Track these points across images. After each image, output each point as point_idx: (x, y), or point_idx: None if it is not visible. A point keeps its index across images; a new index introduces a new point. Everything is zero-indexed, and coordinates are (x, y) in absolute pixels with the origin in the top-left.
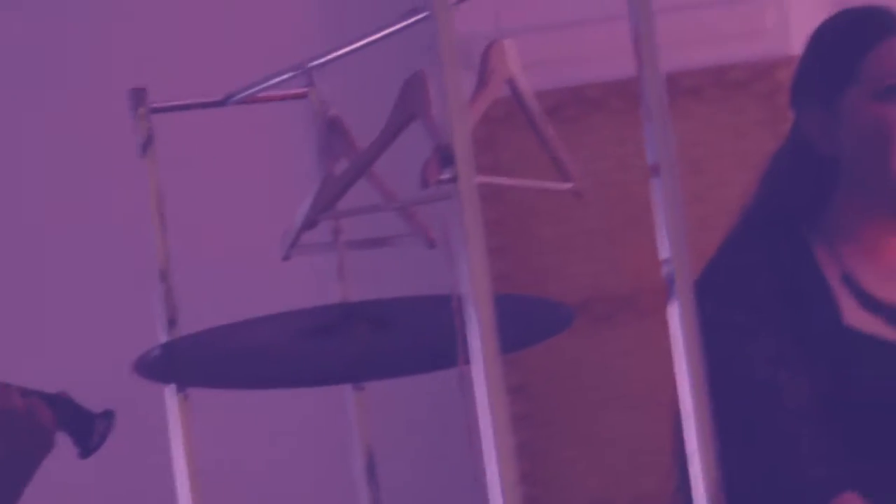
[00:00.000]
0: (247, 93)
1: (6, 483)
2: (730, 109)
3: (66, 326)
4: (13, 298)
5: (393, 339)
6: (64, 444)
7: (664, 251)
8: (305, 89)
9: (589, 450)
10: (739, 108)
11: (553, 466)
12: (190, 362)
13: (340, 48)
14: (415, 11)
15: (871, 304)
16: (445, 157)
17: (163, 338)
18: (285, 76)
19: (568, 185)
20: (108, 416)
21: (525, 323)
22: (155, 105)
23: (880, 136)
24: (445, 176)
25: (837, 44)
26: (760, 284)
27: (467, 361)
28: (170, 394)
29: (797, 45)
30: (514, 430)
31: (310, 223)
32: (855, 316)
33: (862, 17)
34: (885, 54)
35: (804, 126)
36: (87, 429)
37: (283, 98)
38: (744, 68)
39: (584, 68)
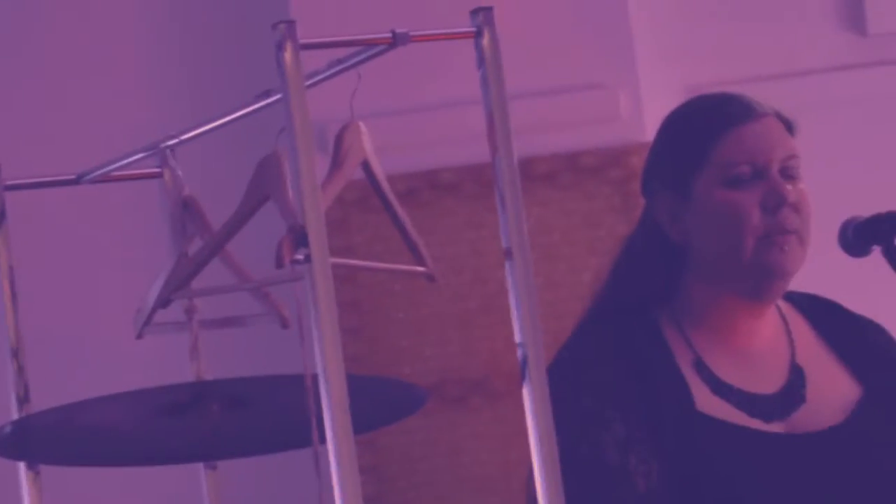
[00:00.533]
0: (101, 171)
1: None
2: (583, 195)
3: None
4: None
5: (247, 418)
6: None
7: (517, 335)
8: (159, 169)
9: None
10: (593, 193)
11: None
12: (42, 439)
13: (195, 128)
14: (268, 94)
15: (722, 389)
16: (299, 237)
17: (14, 415)
18: (139, 155)
19: (421, 269)
20: None
21: (378, 404)
22: (8, 182)
23: (730, 222)
24: (299, 256)
25: (687, 130)
26: (611, 370)
27: (321, 441)
28: (21, 471)
29: (650, 131)
30: None
31: (163, 302)
32: (707, 401)
33: (712, 105)
34: (735, 141)
35: (655, 212)
36: None
37: (138, 177)
38: (597, 154)
39: (439, 153)
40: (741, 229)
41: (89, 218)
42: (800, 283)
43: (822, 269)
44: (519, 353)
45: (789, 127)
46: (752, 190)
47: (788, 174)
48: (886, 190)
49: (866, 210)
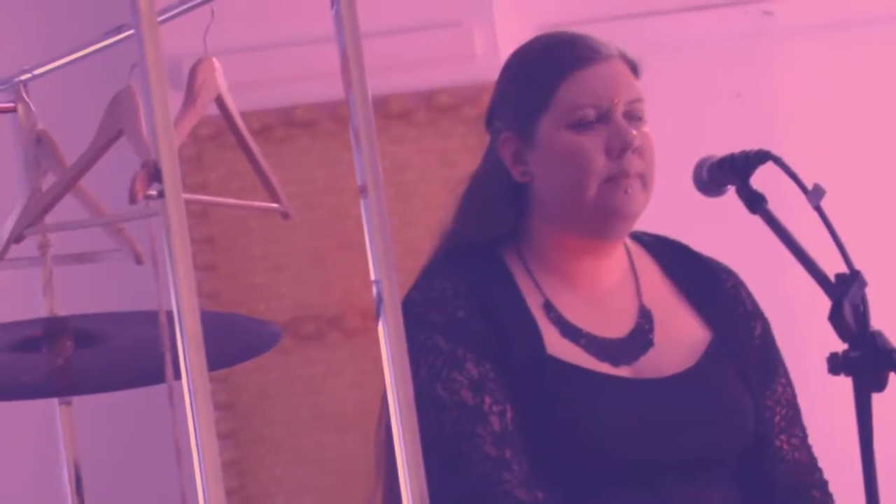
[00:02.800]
0: None
1: None
2: (438, 133)
3: None
4: None
5: (101, 354)
6: None
7: (373, 272)
8: (13, 104)
9: (297, 468)
10: (448, 132)
11: (262, 484)
12: None
13: (48, 63)
14: (120, 29)
15: (571, 332)
16: (152, 173)
17: None
18: None
19: (276, 206)
20: None
21: (233, 340)
22: None
23: (574, 167)
24: (152, 192)
25: (531, 71)
26: (462, 310)
27: (176, 377)
28: None
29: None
30: (222, 447)
31: (16, 237)
32: (556, 344)
33: (556, 45)
34: (578, 83)
35: (499, 151)
36: None
37: None
38: (452, 93)
39: (294, 89)
40: (585, 174)
41: None
42: (647, 223)
43: (671, 210)
44: (374, 290)
45: (634, 69)
46: (596, 134)
47: (633, 116)
48: (732, 131)
49: (715, 151)
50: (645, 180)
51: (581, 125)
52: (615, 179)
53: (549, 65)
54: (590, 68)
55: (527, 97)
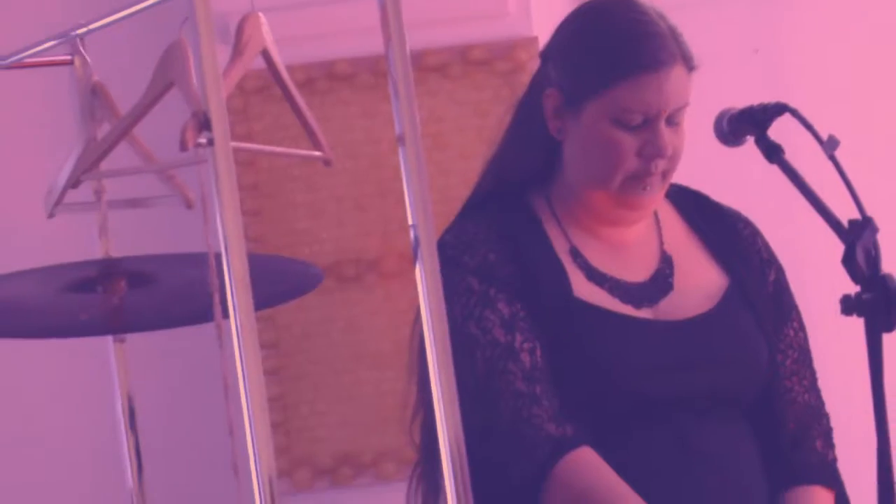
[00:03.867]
0: (14, 58)
1: None
2: (472, 86)
3: None
4: None
5: (153, 294)
6: None
7: (410, 217)
8: (70, 56)
9: (338, 404)
10: (481, 85)
11: (304, 418)
12: None
13: (104, 17)
14: None
15: (596, 276)
16: (202, 122)
17: None
18: (51, 43)
19: (318, 154)
20: None
21: (277, 282)
22: None
23: (607, 157)
24: (202, 140)
25: (601, 53)
26: (493, 253)
27: (224, 316)
28: None
29: (536, 27)
30: (266, 383)
31: (73, 183)
32: (582, 287)
33: (629, 37)
34: (635, 88)
35: (544, 101)
36: None
37: (49, 64)
38: (486, 48)
39: (336, 44)
40: (614, 167)
41: (4, 104)
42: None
43: (693, 160)
44: (411, 234)
45: (690, 65)
46: (635, 135)
47: (673, 121)
48: (752, 85)
49: (735, 104)
50: (666, 175)
51: (625, 124)
52: (638, 177)
53: (615, 58)
54: (651, 76)
55: (587, 74)
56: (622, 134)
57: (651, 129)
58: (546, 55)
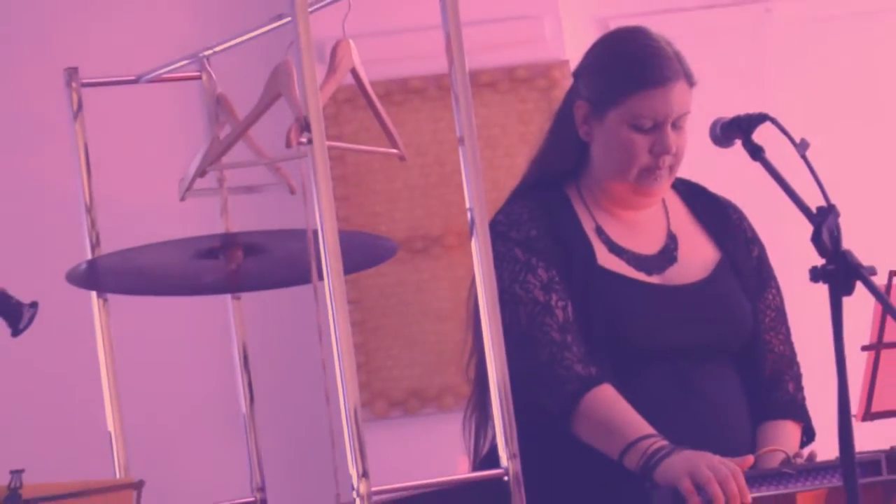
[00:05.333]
0: (154, 73)
1: None
2: (517, 99)
3: (16, 247)
4: None
5: (263, 261)
6: None
7: (468, 201)
8: (199, 73)
9: (408, 349)
10: (524, 98)
11: (381, 360)
12: (108, 275)
13: (225, 42)
14: (280, 17)
15: (616, 249)
16: (303, 125)
17: (88, 255)
18: (184, 62)
19: (394, 152)
20: (33, 305)
21: (361, 252)
22: (84, 80)
23: (624, 155)
24: (303, 140)
25: (618, 73)
26: (535, 229)
27: (320, 278)
28: (93, 298)
29: (569, 52)
30: (351, 332)
31: (201, 173)
32: (605, 258)
33: (641, 58)
34: (647, 99)
35: (575, 111)
36: (18, 314)
37: (183, 79)
38: (528, 68)
39: (409, 65)
40: (631, 162)
41: (145, 110)
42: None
43: (696, 159)
44: (468, 215)
45: (690, 82)
46: (647, 135)
47: (678, 125)
48: (738, 101)
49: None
50: (672, 169)
51: (638, 127)
52: (650, 170)
53: (631, 75)
54: (659, 90)
55: (608, 89)
56: (636, 136)
57: (659, 132)
58: (577, 75)
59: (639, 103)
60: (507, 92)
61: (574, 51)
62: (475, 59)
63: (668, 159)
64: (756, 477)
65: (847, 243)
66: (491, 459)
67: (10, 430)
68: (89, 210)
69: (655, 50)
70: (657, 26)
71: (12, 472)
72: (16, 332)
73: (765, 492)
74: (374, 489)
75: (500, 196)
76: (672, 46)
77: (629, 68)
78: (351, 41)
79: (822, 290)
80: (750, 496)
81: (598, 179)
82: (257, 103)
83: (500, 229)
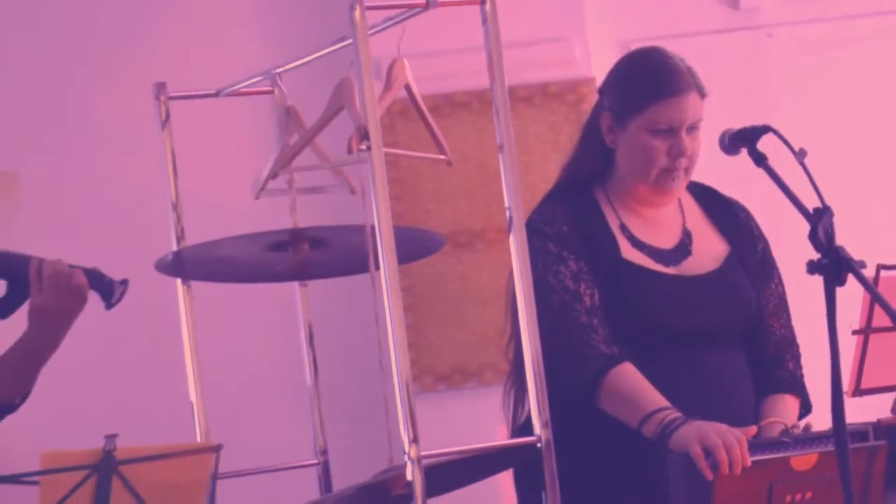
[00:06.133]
0: (232, 88)
1: (54, 330)
2: (549, 112)
3: (111, 239)
4: (80, 220)
5: (327, 252)
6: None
7: (506, 201)
8: (271, 88)
9: (453, 329)
10: (555, 111)
11: (430, 339)
12: (192, 264)
13: (295, 61)
14: (343, 38)
15: (638, 244)
16: (363, 134)
17: (174, 247)
18: (258, 78)
19: (442, 157)
20: (124, 282)
21: (412, 245)
22: (172, 94)
23: (645, 158)
24: (363, 146)
25: (638, 85)
26: (566, 227)
27: (377, 267)
28: (178, 285)
29: (595, 69)
30: (404, 315)
31: (272, 175)
32: (628, 252)
33: (658, 72)
34: (664, 108)
35: (601, 122)
36: (110, 290)
37: (257, 93)
38: (559, 85)
39: (455, 81)
40: (651, 164)
41: (224, 120)
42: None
43: (708, 167)
44: (507, 213)
45: (702, 93)
46: (664, 140)
47: (692, 129)
48: (744, 115)
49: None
50: (688, 170)
51: (657, 133)
52: (668, 171)
53: (649, 87)
54: (674, 99)
55: (629, 100)
56: (656, 141)
57: (676, 137)
58: (602, 90)
59: (657, 112)
60: (540, 105)
61: (599, 70)
62: (513, 77)
63: (683, 161)
64: (758, 445)
65: (840, 239)
66: (526, 428)
67: (105, 399)
68: (175, 207)
69: (670, 65)
70: (672, 47)
71: (107, 437)
72: (109, 305)
73: (763, 455)
74: (422, 453)
75: (535, 197)
76: (685, 63)
77: (647, 82)
78: (405, 60)
79: (818, 280)
80: (750, 460)
81: (622, 181)
82: (322, 114)
83: (535, 226)
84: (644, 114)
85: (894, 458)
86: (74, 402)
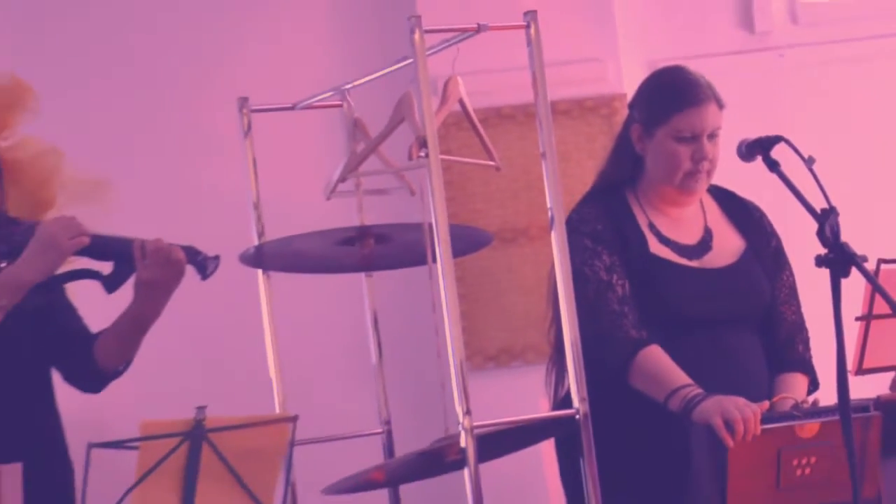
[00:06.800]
0: (306, 102)
1: (157, 300)
2: (585, 124)
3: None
4: (173, 218)
5: (390, 247)
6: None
7: (548, 202)
8: (341, 102)
9: (500, 315)
10: (591, 123)
11: (479, 324)
12: (272, 256)
13: (361, 78)
14: (405, 58)
15: (664, 240)
16: (422, 142)
17: (255, 242)
18: (329, 93)
19: (491, 163)
20: (216, 258)
21: (465, 240)
22: (254, 107)
23: (671, 163)
24: (422, 154)
25: (662, 98)
26: (601, 225)
27: (434, 261)
28: (259, 275)
29: (626, 85)
30: (457, 303)
31: (342, 179)
32: (655, 247)
33: (681, 86)
34: (686, 117)
35: (631, 131)
36: (204, 264)
37: (328, 106)
38: (594, 100)
39: (503, 96)
40: (676, 168)
41: (298, 129)
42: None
43: (727, 172)
44: (549, 213)
45: (720, 105)
46: (688, 146)
47: (713, 136)
48: (760, 128)
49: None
50: (710, 173)
51: (681, 139)
52: (692, 174)
53: (673, 100)
54: (695, 109)
55: (655, 111)
56: (680, 147)
57: (698, 143)
58: (632, 105)
59: (680, 121)
60: (577, 118)
61: (629, 86)
62: (553, 92)
63: (705, 165)
64: (771, 418)
65: (844, 236)
66: (565, 402)
67: (194, 375)
68: (256, 207)
69: (691, 80)
70: (694, 66)
71: (197, 408)
72: (204, 277)
73: (772, 425)
74: (474, 424)
75: (572, 199)
76: (704, 78)
77: (672, 95)
78: (458, 78)
79: (825, 273)
80: (760, 428)
81: (650, 184)
82: (385, 125)
83: (574, 224)
84: (669, 123)
85: (890, 428)
86: (166, 377)
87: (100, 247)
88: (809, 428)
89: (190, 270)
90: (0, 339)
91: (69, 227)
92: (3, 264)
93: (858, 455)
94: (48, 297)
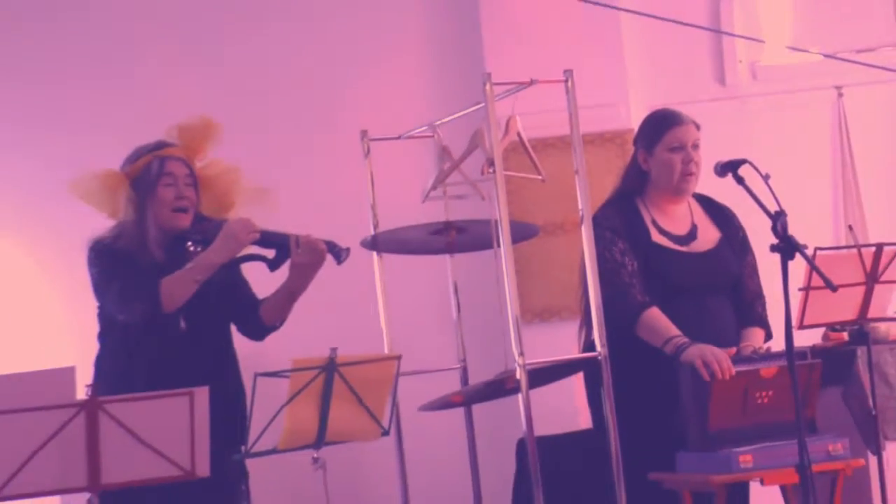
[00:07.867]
0: (408, 134)
1: (306, 278)
2: (603, 151)
3: (332, 229)
4: (313, 219)
5: (467, 236)
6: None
7: (580, 206)
8: (432, 134)
9: (542, 295)
10: (608, 151)
11: (529, 291)
12: (383, 242)
13: (447, 116)
14: (478, 102)
15: (663, 231)
16: (490, 162)
17: (371, 231)
18: (424, 127)
19: (539, 177)
20: (348, 249)
21: (520, 232)
22: (371, 137)
23: (669, 168)
24: (490, 170)
25: (655, 125)
26: (616, 221)
27: (498, 246)
28: (374, 256)
29: (634, 123)
30: (514, 275)
31: (434, 187)
32: (656, 237)
33: (666, 116)
34: (674, 133)
35: (638, 156)
36: (339, 254)
37: (424, 136)
38: (611, 133)
39: (548, 128)
40: (673, 173)
41: (404, 154)
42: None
43: (707, 185)
44: (580, 213)
45: (697, 126)
46: (679, 154)
47: (696, 146)
48: (732, 155)
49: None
50: (696, 176)
51: (674, 150)
52: (684, 174)
53: (664, 123)
54: (680, 126)
55: (652, 134)
56: (674, 155)
57: (685, 152)
58: (635, 140)
59: (671, 136)
60: (599, 146)
61: (635, 123)
62: (583, 128)
63: (693, 167)
64: (737, 360)
65: (791, 230)
66: (590, 347)
67: (331, 326)
68: (373, 207)
69: (674, 112)
70: (681, 108)
71: (331, 349)
72: (339, 262)
73: (741, 368)
74: (526, 362)
75: (596, 204)
76: (683, 113)
77: (662, 121)
78: (517, 117)
79: (777, 257)
80: (734, 370)
81: (653, 191)
82: (464, 150)
83: (597, 221)
84: (663, 139)
85: (826, 368)
86: (309, 330)
87: (266, 239)
88: (770, 370)
89: (329, 257)
90: (197, 303)
91: (246, 224)
92: (199, 249)
93: (802, 390)
94: (230, 273)
